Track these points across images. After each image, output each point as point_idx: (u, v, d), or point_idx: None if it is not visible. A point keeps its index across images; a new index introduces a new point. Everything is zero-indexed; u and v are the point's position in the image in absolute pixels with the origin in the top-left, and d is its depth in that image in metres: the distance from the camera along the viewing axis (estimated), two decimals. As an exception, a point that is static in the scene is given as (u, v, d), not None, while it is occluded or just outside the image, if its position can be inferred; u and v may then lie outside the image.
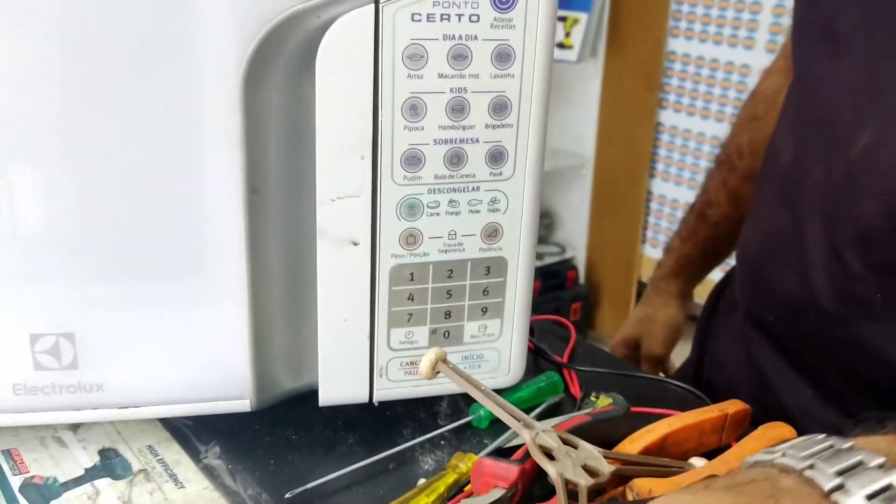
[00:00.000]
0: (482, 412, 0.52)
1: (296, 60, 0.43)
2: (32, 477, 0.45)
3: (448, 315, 0.50)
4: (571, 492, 0.40)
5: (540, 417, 0.52)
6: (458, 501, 0.44)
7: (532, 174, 0.48)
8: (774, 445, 0.33)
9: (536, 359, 0.63)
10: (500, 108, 0.46)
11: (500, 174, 0.47)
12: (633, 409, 0.52)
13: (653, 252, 2.11)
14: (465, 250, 0.48)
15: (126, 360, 0.46)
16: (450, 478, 0.45)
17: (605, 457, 0.42)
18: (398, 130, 0.45)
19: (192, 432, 0.50)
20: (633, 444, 0.47)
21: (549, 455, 0.41)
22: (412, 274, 0.48)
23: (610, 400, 0.52)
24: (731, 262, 0.75)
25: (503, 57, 0.45)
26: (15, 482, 0.45)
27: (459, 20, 0.43)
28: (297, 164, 0.45)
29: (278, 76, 0.44)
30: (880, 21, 0.53)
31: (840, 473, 0.29)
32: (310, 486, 0.45)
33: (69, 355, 0.45)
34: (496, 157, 0.47)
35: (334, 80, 0.43)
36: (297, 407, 0.51)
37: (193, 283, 0.46)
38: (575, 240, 2.27)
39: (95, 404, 0.46)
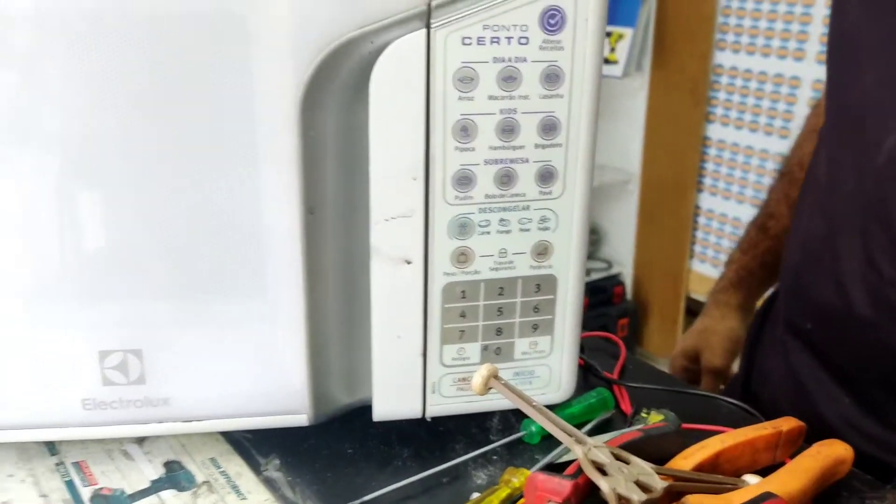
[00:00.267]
0: (534, 428, 0.53)
1: (350, 84, 0.45)
2: (101, 489, 0.47)
3: (499, 332, 0.50)
4: (624, 507, 0.40)
5: (591, 433, 0.53)
6: (512, 516, 0.44)
7: (581, 192, 0.49)
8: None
9: (586, 375, 0.63)
10: (549, 128, 0.47)
11: (550, 193, 0.48)
12: (685, 425, 0.52)
13: (701, 267, 2.09)
14: (515, 268, 0.49)
15: (190, 376, 0.47)
16: (503, 492, 0.46)
17: (658, 473, 0.43)
18: (449, 151, 0.46)
19: (252, 445, 0.51)
20: (686, 461, 0.47)
21: (602, 470, 0.42)
22: (464, 291, 0.49)
23: (661, 416, 0.52)
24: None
25: (552, 78, 0.46)
26: (85, 493, 0.47)
27: (509, 42, 0.45)
28: (352, 185, 0.47)
29: (333, 100, 0.45)
30: None
31: None
32: (366, 499, 0.46)
33: (136, 371, 0.47)
34: (546, 176, 0.48)
35: (387, 104, 0.45)
36: (352, 422, 0.52)
37: (253, 302, 0.48)
38: (621, 255, 2.25)
39: (161, 418, 0.48)
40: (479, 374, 0.46)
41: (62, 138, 0.43)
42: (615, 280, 2.23)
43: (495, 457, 0.52)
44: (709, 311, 0.87)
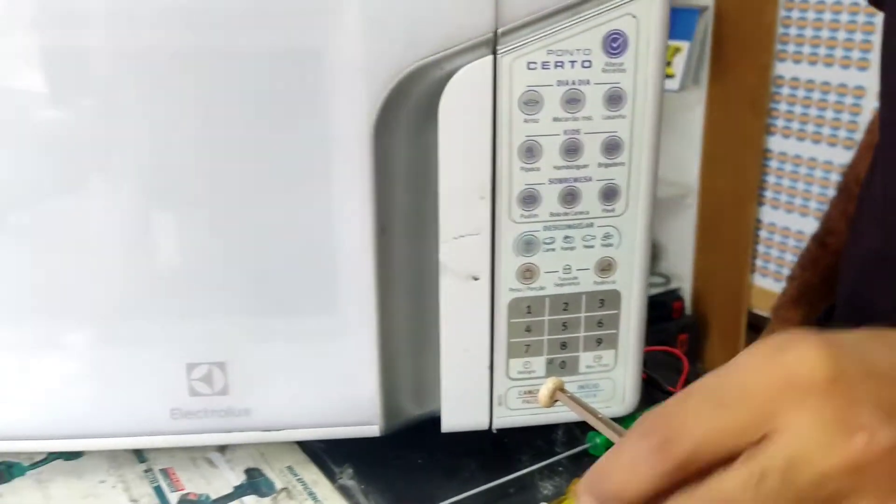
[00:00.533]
0: (599, 440, 0.54)
1: (420, 109, 0.47)
2: (187, 494, 0.50)
3: (564, 346, 0.52)
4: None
5: (655, 446, 0.53)
6: (579, 525, 0.45)
7: (644, 209, 0.50)
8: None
9: (649, 389, 0.64)
10: (612, 147, 0.48)
11: (613, 210, 0.49)
12: (750, 439, 0.52)
13: (763, 281, 2.06)
14: (579, 284, 0.50)
15: (269, 388, 0.50)
16: (570, 503, 0.47)
17: (724, 484, 0.43)
18: (515, 172, 0.48)
19: (327, 455, 0.54)
20: (752, 474, 0.47)
21: (668, 482, 0.43)
22: (529, 307, 0.50)
23: (726, 430, 0.53)
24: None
25: (615, 99, 0.47)
26: (173, 498, 0.49)
27: (573, 66, 0.46)
28: (421, 206, 0.49)
29: (404, 124, 0.47)
30: None
31: None
32: (436, 507, 0.48)
33: (220, 382, 0.49)
34: (609, 194, 0.49)
35: (456, 127, 0.47)
36: (421, 433, 0.54)
37: (326, 318, 0.50)
38: (680, 270, 2.23)
39: (242, 427, 0.50)
40: (546, 387, 0.47)
41: (146, 163, 0.46)
42: (674, 295, 2.21)
43: (561, 468, 0.53)
44: (771, 327, 0.87)
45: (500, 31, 0.45)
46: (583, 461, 0.54)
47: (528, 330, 0.51)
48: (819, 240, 0.85)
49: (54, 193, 0.46)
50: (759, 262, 2.08)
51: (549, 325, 0.51)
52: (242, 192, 0.47)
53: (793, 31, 1.89)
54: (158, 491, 0.50)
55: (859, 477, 0.26)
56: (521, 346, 0.51)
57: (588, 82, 0.46)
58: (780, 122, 1.96)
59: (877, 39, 1.74)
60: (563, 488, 0.50)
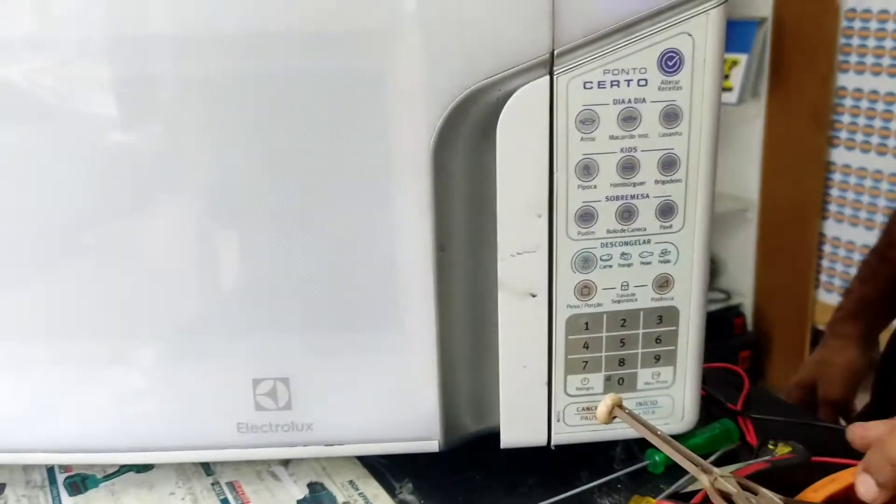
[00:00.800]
0: (657, 457, 0.54)
1: (478, 129, 0.48)
2: (253, 506, 0.51)
3: (622, 362, 0.52)
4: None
5: (716, 465, 0.53)
6: (639, 543, 0.45)
7: (702, 225, 0.50)
8: None
9: (709, 406, 0.63)
10: (668, 164, 0.48)
11: (671, 227, 0.49)
12: (815, 458, 0.51)
13: (828, 297, 2.01)
14: (637, 300, 0.51)
15: (331, 403, 0.51)
16: (630, 520, 0.47)
17: (787, 504, 0.43)
18: (572, 189, 0.48)
19: (387, 470, 0.54)
20: (816, 493, 0.46)
21: (729, 501, 0.42)
22: (587, 323, 0.51)
23: (789, 448, 0.52)
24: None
25: (671, 116, 0.47)
26: (239, 509, 0.51)
27: (628, 85, 0.47)
28: (480, 223, 0.50)
29: (462, 144, 0.48)
30: None
31: None
32: (496, 522, 0.48)
33: (284, 398, 0.51)
34: (666, 211, 0.49)
35: (513, 146, 0.47)
36: (480, 448, 0.54)
37: (388, 334, 0.51)
38: (741, 285, 2.19)
39: (305, 442, 0.52)
40: (604, 404, 0.48)
41: (212, 184, 0.48)
42: (735, 311, 2.17)
43: (619, 485, 0.53)
44: (827, 343, 0.85)
45: (556, 51, 0.46)
46: (641, 478, 0.53)
47: (586, 346, 0.51)
48: (879, 252, 0.83)
49: (124, 214, 0.49)
50: (823, 277, 2.03)
51: (607, 342, 0.51)
52: (304, 210, 0.49)
53: (855, 41, 1.85)
54: (225, 503, 0.52)
55: None
56: (579, 363, 0.51)
57: (644, 100, 0.47)
58: (843, 134, 1.91)
59: (944, 48, 1.69)
60: (623, 505, 0.50)
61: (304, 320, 0.51)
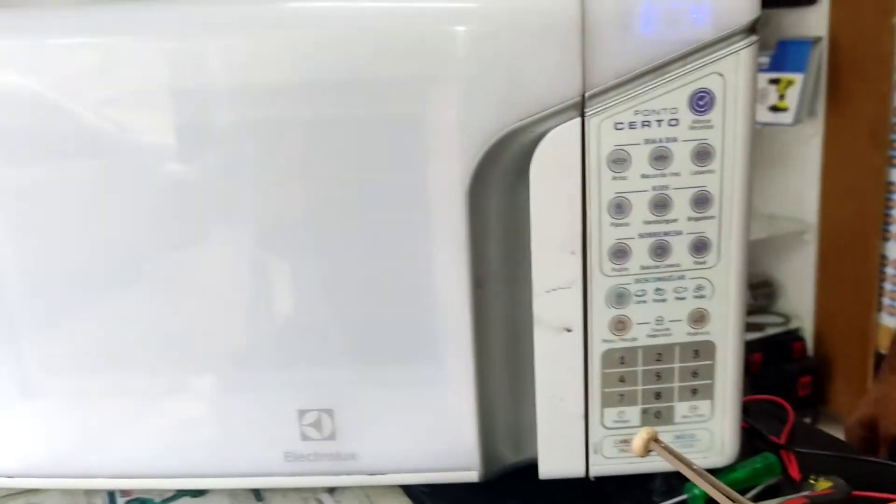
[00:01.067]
0: (697, 491, 0.54)
1: (512, 170, 0.49)
2: (299, 532, 0.53)
3: (658, 396, 0.52)
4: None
5: (756, 499, 0.53)
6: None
7: (737, 260, 0.50)
8: None
9: (752, 440, 0.63)
10: (701, 201, 0.49)
11: (705, 262, 0.50)
12: (856, 492, 0.51)
13: (890, 320, 1.95)
14: (672, 335, 0.51)
15: (374, 433, 0.53)
16: (665, 553, 0.47)
17: (823, 541, 0.43)
18: (605, 227, 0.49)
19: (429, 498, 0.56)
20: (856, 530, 0.46)
21: (764, 536, 0.43)
22: (622, 357, 0.51)
23: (830, 483, 0.52)
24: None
25: (703, 155, 0.48)
26: (286, 536, 0.53)
27: (659, 125, 0.48)
28: (515, 260, 0.51)
29: (497, 184, 0.50)
30: None
31: None
32: (533, 553, 0.49)
33: (329, 428, 0.53)
34: (700, 247, 0.50)
35: (546, 186, 0.49)
36: (520, 479, 0.55)
37: (427, 367, 0.53)
38: (800, 309, 2.14)
39: (349, 471, 0.54)
40: (639, 437, 0.48)
41: (262, 220, 0.51)
42: (794, 335, 2.12)
43: (659, 518, 0.53)
44: (885, 377, 0.83)
45: (587, 94, 0.47)
46: (681, 511, 0.54)
47: (622, 380, 0.52)
48: None
49: (179, 247, 0.52)
50: (885, 301, 1.98)
51: (643, 376, 0.52)
52: (348, 246, 0.51)
53: (914, 58, 1.81)
54: (273, 529, 0.54)
55: None
56: (615, 396, 0.52)
57: (675, 140, 0.48)
58: (903, 154, 1.87)
59: None
60: (661, 539, 0.50)
61: (348, 354, 0.53)
